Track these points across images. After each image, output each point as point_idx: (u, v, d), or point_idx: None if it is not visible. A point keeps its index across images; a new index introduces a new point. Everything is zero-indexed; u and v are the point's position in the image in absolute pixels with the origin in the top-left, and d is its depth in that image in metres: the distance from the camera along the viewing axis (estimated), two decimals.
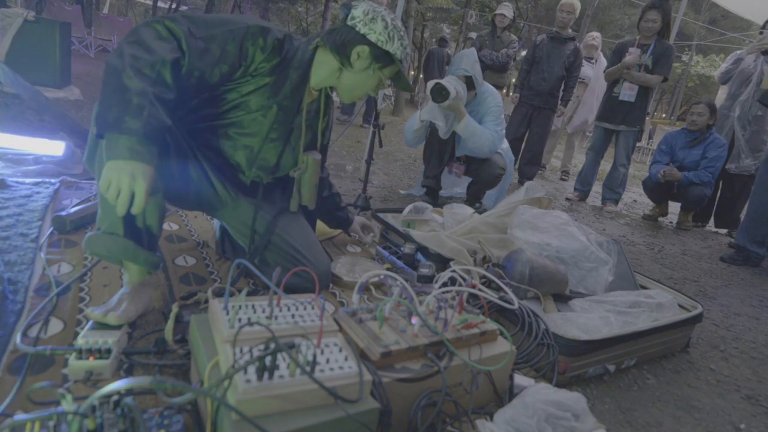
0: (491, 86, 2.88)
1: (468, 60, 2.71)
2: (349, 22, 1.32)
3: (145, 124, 0.97)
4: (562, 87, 4.43)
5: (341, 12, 1.37)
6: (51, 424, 0.68)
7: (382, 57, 1.33)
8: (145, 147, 0.98)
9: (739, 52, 3.98)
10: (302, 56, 1.34)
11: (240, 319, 0.90)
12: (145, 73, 1.01)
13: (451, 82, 2.58)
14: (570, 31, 4.40)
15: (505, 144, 3.01)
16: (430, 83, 2.56)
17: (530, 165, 4.55)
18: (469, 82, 2.69)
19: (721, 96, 4.29)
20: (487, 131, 2.71)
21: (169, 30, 1.10)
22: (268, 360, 0.75)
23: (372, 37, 1.30)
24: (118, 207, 0.96)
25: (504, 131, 2.82)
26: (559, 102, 4.49)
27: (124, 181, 0.95)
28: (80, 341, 0.95)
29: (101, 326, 1.06)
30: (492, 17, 4.97)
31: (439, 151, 2.95)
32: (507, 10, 4.76)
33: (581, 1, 4.68)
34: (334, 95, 1.51)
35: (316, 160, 1.46)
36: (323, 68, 1.37)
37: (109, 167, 0.96)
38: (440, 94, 2.53)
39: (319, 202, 1.69)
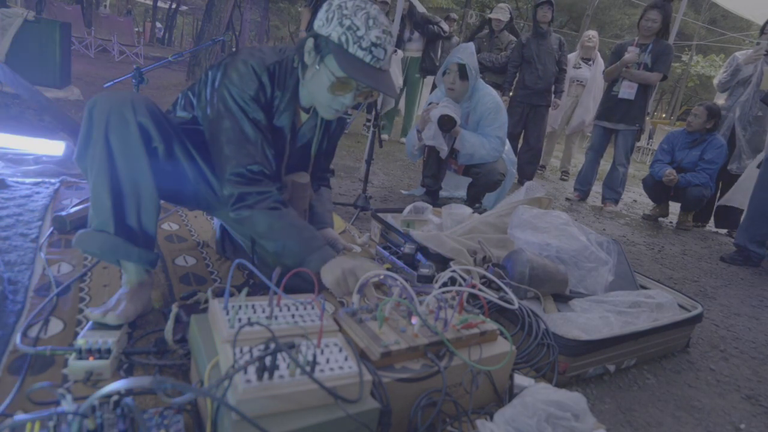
0: (488, 86, 2.87)
1: (465, 51, 2.74)
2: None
3: None
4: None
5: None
6: (51, 424, 0.68)
7: (321, 44, 1.14)
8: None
9: (738, 54, 3.97)
10: (290, 78, 1.27)
11: (240, 319, 0.90)
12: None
13: (450, 107, 2.69)
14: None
15: (507, 145, 3.01)
16: (435, 113, 2.67)
17: (530, 164, 4.55)
18: (462, 71, 2.71)
19: (720, 95, 4.29)
20: (486, 141, 2.74)
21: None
22: (268, 360, 0.75)
23: (316, 26, 1.14)
24: None
25: (505, 131, 2.82)
26: (553, 95, 4.56)
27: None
28: (80, 341, 0.95)
29: (101, 326, 1.06)
30: (488, 20, 4.98)
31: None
32: (502, 14, 4.75)
33: (581, 0, 4.70)
34: None
35: (301, 185, 1.38)
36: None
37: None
38: (447, 123, 2.66)
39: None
